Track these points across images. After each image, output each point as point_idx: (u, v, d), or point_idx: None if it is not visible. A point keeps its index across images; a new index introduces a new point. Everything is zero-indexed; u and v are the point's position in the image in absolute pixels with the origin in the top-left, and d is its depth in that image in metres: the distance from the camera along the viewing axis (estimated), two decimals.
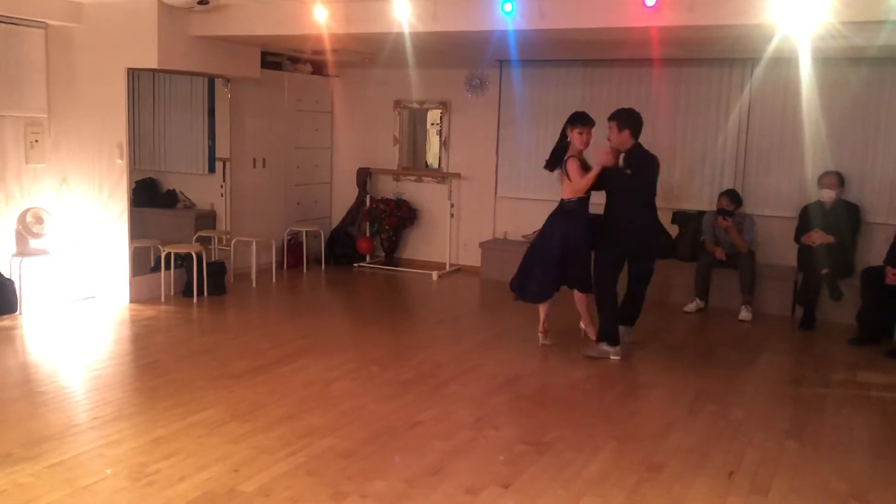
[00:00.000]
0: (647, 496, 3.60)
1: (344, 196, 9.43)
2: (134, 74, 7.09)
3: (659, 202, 5.89)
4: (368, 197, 9.18)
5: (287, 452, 3.92)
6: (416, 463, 3.85)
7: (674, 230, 7.62)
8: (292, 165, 8.92)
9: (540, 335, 6.00)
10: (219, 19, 6.70)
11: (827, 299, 6.79)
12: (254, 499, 3.45)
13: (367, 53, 7.95)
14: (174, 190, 8.48)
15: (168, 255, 7.08)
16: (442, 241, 8.90)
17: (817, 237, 6.81)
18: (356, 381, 5.07)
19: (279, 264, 8.52)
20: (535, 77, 8.41)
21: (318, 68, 9.10)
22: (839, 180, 6.97)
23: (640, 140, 5.67)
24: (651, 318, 6.41)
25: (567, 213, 5.73)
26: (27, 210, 6.66)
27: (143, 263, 7.28)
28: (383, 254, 9.15)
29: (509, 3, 5.51)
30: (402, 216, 8.98)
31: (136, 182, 7.84)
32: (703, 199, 7.75)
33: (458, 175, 8.87)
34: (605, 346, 5.70)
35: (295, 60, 8.76)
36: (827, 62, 6.96)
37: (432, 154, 9.31)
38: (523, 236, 8.31)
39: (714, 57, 7.44)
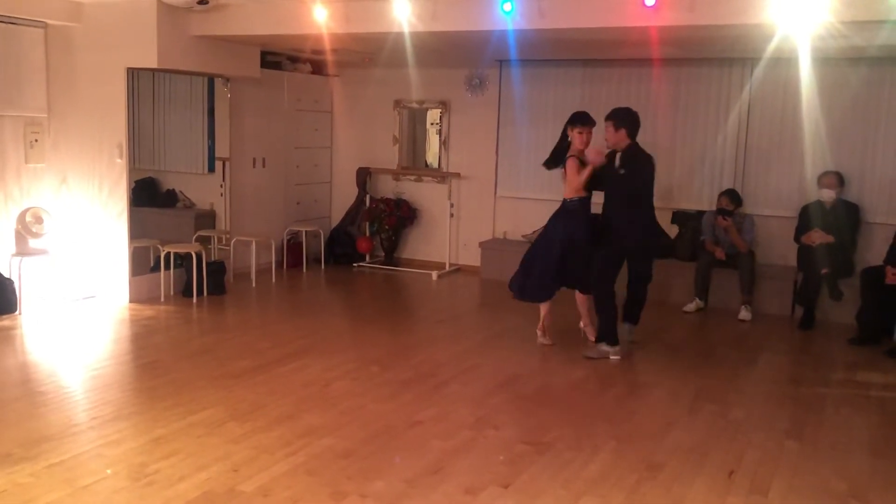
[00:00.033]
0: (646, 496, 3.60)
1: (344, 196, 9.43)
2: (134, 74, 7.09)
3: (658, 202, 5.90)
4: (368, 197, 9.18)
5: (287, 452, 3.92)
6: (415, 463, 3.85)
7: (673, 230, 7.61)
8: (292, 165, 8.92)
9: (538, 333, 6.01)
10: (218, 19, 6.70)
11: (827, 299, 6.79)
12: (253, 499, 3.45)
13: (367, 53, 7.94)
14: (174, 189, 8.48)
15: (168, 255, 7.08)
16: (442, 240, 8.90)
17: (817, 237, 6.81)
18: (356, 381, 5.07)
19: (279, 264, 8.51)
20: (534, 77, 8.40)
21: (318, 68, 9.09)
22: (839, 180, 6.96)
23: (640, 140, 5.66)
24: (651, 317, 6.40)
25: (569, 213, 5.77)
26: (27, 210, 6.66)
27: (142, 263, 7.27)
28: (383, 253, 9.15)
29: (509, 3, 5.51)
30: (401, 216, 8.98)
31: (136, 182, 7.84)
32: (702, 199, 7.75)
33: (457, 175, 8.87)
34: (604, 347, 5.70)
35: (294, 60, 8.76)
36: (827, 62, 6.96)
37: (432, 154, 9.31)
38: (523, 236, 8.31)
39: (714, 57, 7.44)
